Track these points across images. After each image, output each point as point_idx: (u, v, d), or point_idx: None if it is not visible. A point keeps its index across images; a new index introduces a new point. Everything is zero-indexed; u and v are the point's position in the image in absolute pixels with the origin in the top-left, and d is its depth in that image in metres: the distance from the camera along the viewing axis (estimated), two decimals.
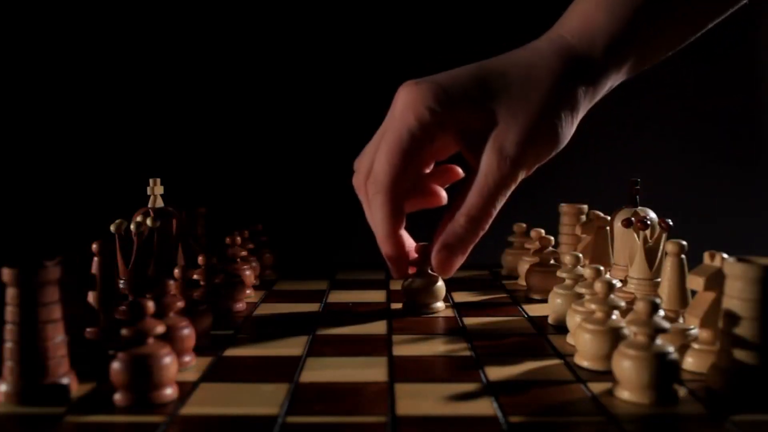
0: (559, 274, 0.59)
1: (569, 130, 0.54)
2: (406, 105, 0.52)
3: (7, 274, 0.40)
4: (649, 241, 0.56)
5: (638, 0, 0.52)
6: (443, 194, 0.60)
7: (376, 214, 0.55)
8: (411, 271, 0.60)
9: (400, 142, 0.53)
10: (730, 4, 0.55)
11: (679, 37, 0.56)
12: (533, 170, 0.54)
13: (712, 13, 0.55)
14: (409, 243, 0.59)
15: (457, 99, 0.52)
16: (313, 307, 0.64)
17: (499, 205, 0.54)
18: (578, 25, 0.54)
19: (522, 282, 0.72)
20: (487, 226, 0.54)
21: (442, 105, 0.52)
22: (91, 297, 0.51)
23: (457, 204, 0.55)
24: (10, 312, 0.40)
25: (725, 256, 0.45)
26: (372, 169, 0.55)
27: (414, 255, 0.59)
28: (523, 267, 0.72)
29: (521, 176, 0.53)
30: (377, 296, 0.68)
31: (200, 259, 0.58)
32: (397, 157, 0.53)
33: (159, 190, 0.64)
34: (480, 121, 0.52)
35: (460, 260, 0.56)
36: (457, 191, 0.56)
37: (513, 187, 0.54)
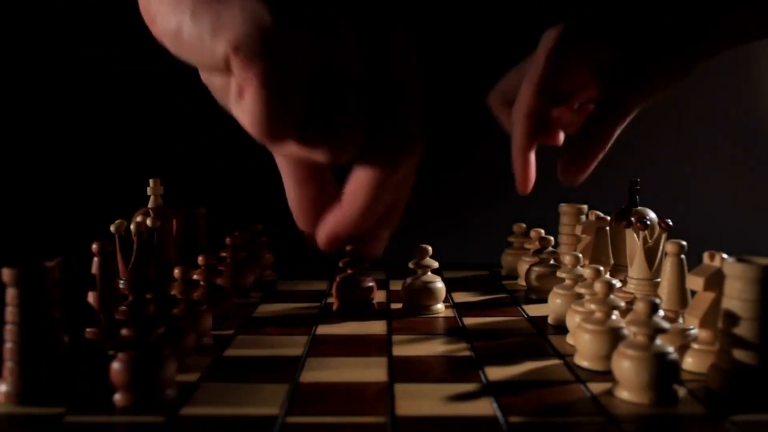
0: (559, 274, 0.59)
1: (701, 50, 0.58)
2: (548, 41, 0.58)
3: (7, 274, 0.40)
4: (649, 241, 0.56)
5: None
6: (561, 135, 0.64)
7: (515, 134, 0.61)
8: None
9: (541, 77, 0.58)
10: None
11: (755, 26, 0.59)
12: (647, 98, 0.58)
13: None
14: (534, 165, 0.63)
15: (595, 40, 0.57)
16: (313, 307, 0.64)
17: (618, 129, 0.59)
18: None
19: (522, 282, 0.72)
20: (606, 147, 0.59)
21: (581, 44, 0.58)
22: (91, 297, 0.51)
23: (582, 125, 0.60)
24: (10, 312, 0.40)
25: (725, 256, 0.45)
26: (517, 98, 0.60)
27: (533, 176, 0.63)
28: (523, 267, 0.72)
29: (636, 103, 0.58)
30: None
31: (200, 259, 0.58)
32: (539, 86, 0.58)
33: (159, 190, 0.64)
34: (613, 54, 0.57)
35: (583, 175, 0.60)
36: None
37: (630, 113, 0.58)
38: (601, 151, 0.60)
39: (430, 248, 0.62)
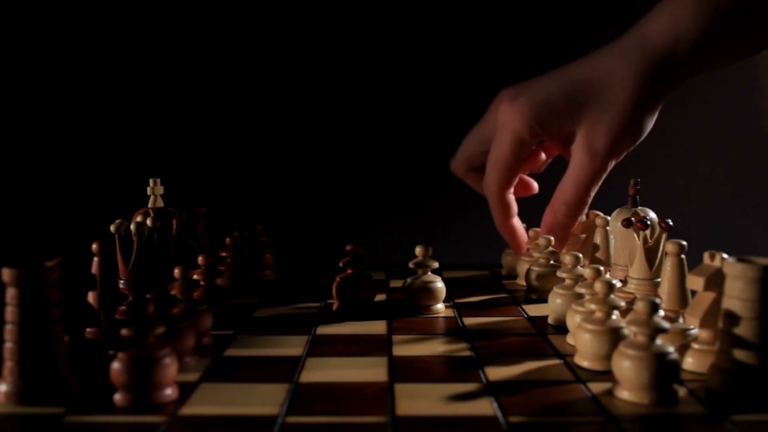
0: (559, 274, 0.59)
1: (651, 121, 0.60)
2: (508, 124, 0.62)
3: (7, 274, 0.40)
4: (649, 241, 0.56)
5: (723, 4, 0.54)
6: (535, 184, 0.71)
7: (493, 212, 0.67)
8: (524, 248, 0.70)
9: (505, 157, 0.63)
10: None
11: (756, 44, 0.58)
12: (621, 158, 0.62)
13: None
14: (521, 227, 0.70)
15: (553, 116, 0.60)
16: (313, 307, 0.64)
17: (592, 193, 0.62)
18: (664, 25, 0.57)
19: (522, 282, 0.72)
20: (584, 212, 0.64)
21: (540, 124, 0.61)
22: (91, 297, 0.51)
23: (557, 195, 0.64)
24: (10, 312, 0.40)
25: (725, 256, 0.45)
26: (484, 179, 0.66)
27: (525, 237, 0.70)
28: (523, 267, 0.72)
29: (610, 166, 0.61)
30: (377, 296, 0.68)
31: (200, 259, 0.58)
32: (504, 169, 0.63)
33: (159, 190, 0.64)
34: (572, 126, 0.60)
35: (567, 239, 0.66)
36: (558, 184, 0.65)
37: (604, 176, 0.62)
38: (580, 217, 0.65)
39: (430, 249, 0.62)
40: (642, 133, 0.61)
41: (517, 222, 0.69)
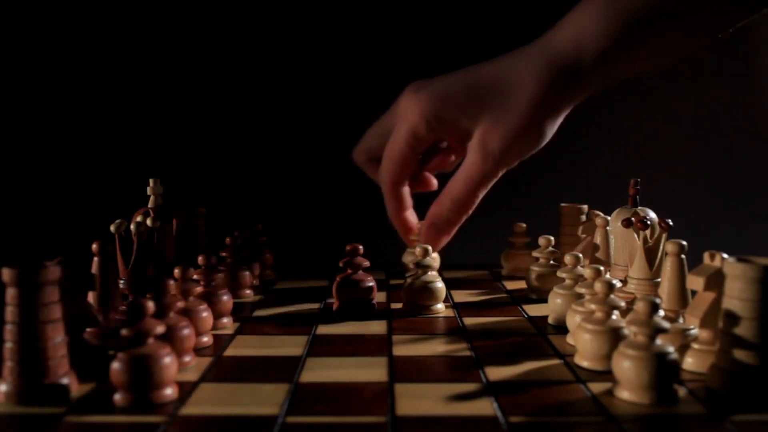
0: (559, 274, 0.59)
1: (551, 130, 0.59)
2: (402, 115, 0.61)
3: (7, 274, 0.40)
4: (649, 241, 0.56)
5: (632, 16, 0.54)
6: (434, 181, 0.68)
7: (386, 203, 0.65)
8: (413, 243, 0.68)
9: (400, 150, 0.62)
10: (720, 29, 0.56)
11: (667, 53, 0.58)
12: (514, 165, 0.60)
13: (703, 36, 0.56)
14: (413, 220, 0.68)
15: (451, 111, 0.59)
16: (313, 307, 0.64)
17: (480, 195, 0.61)
18: (570, 33, 0.57)
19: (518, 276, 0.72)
20: (469, 212, 0.62)
21: (438, 119, 0.59)
22: (91, 297, 0.51)
23: (445, 190, 0.62)
24: (10, 312, 0.40)
25: (725, 256, 0.45)
26: (379, 170, 0.65)
27: (414, 229, 0.68)
28: (524, 266, 0.72)
29: (502, 171, 0.60)
30: (377, 296, 0.68)
31: (200, 259, 0.58)
32: (398, 162, 0.62)
33: (159, 190, 0.64)
34: (470, 124, 0.59)
35: (446, 238, 0.63)
36: (448, 178, 0.63)
37: (494, 180, 0.60)
38: (466, 216, 0.63)
39: (429, 247, 0.62)
40: (540, 140, 0.59)
41: (409, 215, 0.67)
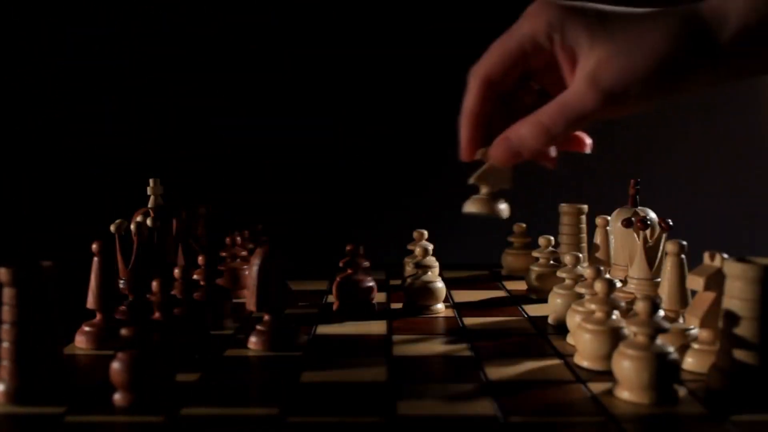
0: (559, 274, 0.59)
1: (669, 91, 0.54)
2: (528, 14, 0.54)
3: (4, 273, 0.40)
4: (649, 241, 0.56)
5: None
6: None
7: (466, 96, 0.56)
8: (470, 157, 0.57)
9: (506, 44, 0.55)
10: None
11: None
12: (611, 116, 0.54)
13: None
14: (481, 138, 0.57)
15: (578, 27, 0.53)
16: (313, 307, 0.64)
17: (570, 129, 0.54)
18: (715, 1, 0.54)
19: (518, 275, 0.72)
20: (551, 143, 0.55)
21: (563, 30, 0.53)
22: (91, 296, 0.51)
23: (536, 111, 0.54)
24: (6, 312, 0.40)
25: (725, 256, 0.45)
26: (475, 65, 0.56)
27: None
28: (524, 266, 0.72)
29: (602, 114, 0.53)
30: (377, 296, 0.68)
31: (200, 259, 0.58)
32: (499, 56, 0.55)
33: (159, 190, 0.64)
34: (589, 46, 0.53)
35: (513, 161, 0.55)
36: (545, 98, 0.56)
37: (588, 121, 0.54)
38: (544, 146, 0.55)
39: (430, 247, 0.62)
40: (647, 100, 0.53)
41: (483, 130, 0.57)
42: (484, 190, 0.53)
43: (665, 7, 0.54)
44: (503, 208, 0.54)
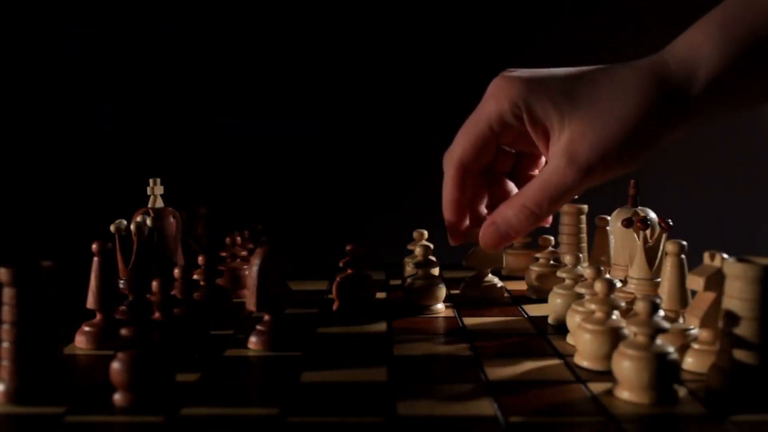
0: (559, 274, 0.59)
1: (648, 152, 0.52)
2: (492, 94, 0.54)
3: (3, 273, 0.40)
4: (649, 241, 0.56)
5: (754, 40, 0.48)
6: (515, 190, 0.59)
7: (444, 183, 0.57)
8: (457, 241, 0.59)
9: (475, 127, 0.55)
10: None
11: None
12: (597, 183, 0.52)
13: None
14: (467, 220, 0.59)
15: (544, 101, 0.52)
16: (313, 307, 0.64)
17: (555, 207, 0.53)
18: (683, 52, 0.51)
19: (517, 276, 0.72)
20: (538, 223, 0.54)
21: (528, 106, 0.52)
22: (91, 296, 0.51)
23: (518, 194, 0.54)
24: (6, 312, 0.40)
25: (725, 256, 0.45)
26: (447, 151, 0.57)
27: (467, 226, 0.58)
28: (524, 266, 0.72)
29: (586, 186, 0.52)
30: (377, 296, 0.68)
31: (200, 259, 0.58)
32: (470, 140, 0.55)
33: (159, 190, 0.64)
34: (559, 122, 0.52)
35: (504, 244, 0.55)
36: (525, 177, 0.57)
37: (575, 195, 0.53)
38: (533, 226, 0.54)
39: (430, 247, 0.62)
40: (632, 162, 0.52)
41: (466, 208, 0.58)
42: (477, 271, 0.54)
43: (626, 61, 0.52)
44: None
